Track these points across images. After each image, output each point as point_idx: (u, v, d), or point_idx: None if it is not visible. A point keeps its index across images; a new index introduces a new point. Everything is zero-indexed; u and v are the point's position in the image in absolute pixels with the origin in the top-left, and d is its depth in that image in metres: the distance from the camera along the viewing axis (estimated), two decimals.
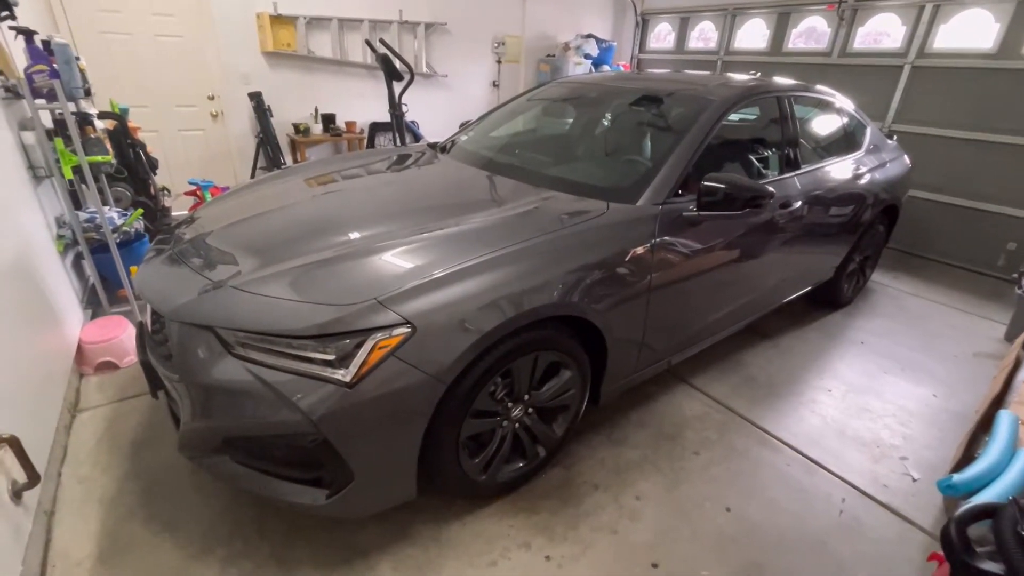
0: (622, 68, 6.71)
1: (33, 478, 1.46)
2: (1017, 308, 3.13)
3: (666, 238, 1.91)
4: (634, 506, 1.86)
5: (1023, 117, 3.85)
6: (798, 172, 2.57)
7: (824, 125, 3.02)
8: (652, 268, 1.88)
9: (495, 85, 6.34)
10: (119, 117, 3.26)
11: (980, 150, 4.11)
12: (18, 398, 1.69)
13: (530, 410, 1.79)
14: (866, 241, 3.26)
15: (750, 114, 2.63)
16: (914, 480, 2.05)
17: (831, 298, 3.37)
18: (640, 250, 1.83)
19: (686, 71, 3.85)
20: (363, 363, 1.32)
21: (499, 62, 6.21)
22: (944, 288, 3.94)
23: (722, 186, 1.92)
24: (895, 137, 3.67)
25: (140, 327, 1.81)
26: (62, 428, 2.02)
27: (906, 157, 3.52)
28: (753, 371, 2.75)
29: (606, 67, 6.45)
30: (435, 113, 5.94)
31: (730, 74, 2.85)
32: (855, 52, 4.80)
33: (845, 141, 3.06)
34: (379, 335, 1.34)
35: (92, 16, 4.03)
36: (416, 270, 1.49)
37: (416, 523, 1.74)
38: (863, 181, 2.98)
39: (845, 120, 3.10)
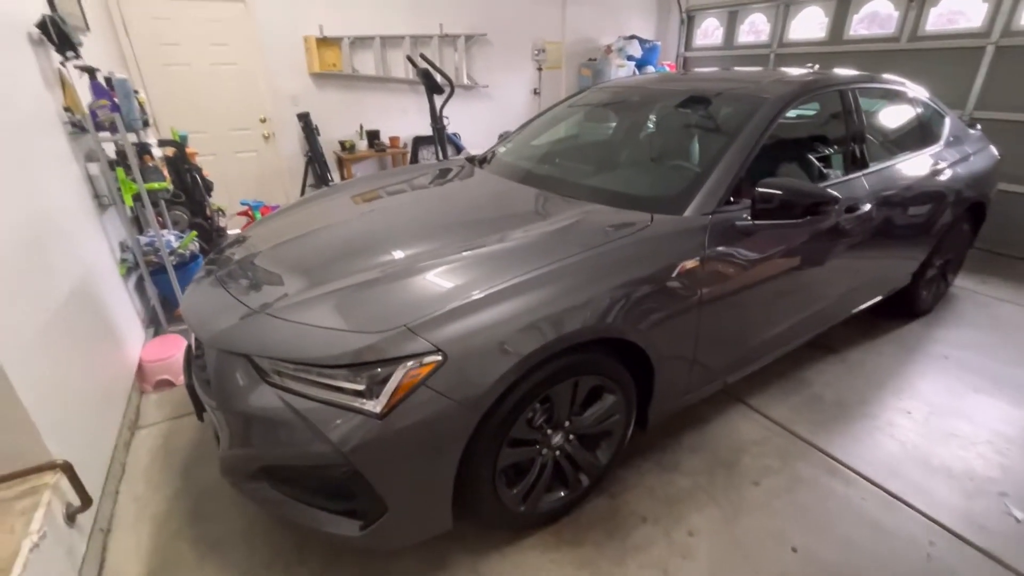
0: (667, 68, 6.49)
1: (86, 501, 1.51)
2: None
3: (718, 249, 1.76)
4: (687, 542, 1.71)
5: None
6: (866, 172, 2.34)
7: (894, 118, 2.75)
8: (702, 283, 1.74)
9: (536, 93, 6.28)
10: (178, 144, 3.44)
11: None
12: (79, 420, 1.77)
13: (571, 437, 1.70)
14: (948, 243, 2.93)
15: (809, 110, 2.42)
16: (1018, 521, 1.79)
17: (908, 307, 3.05)
18: (689, 264, 1.70)
19: (736, 68, 3.64)
20: (393, 393, 1.28)
21: (540, 69, 6.16)
22: None
23: (779, 192, 1.76)
24: (978, 126, 3.30)
25: (187, 350, 1.86)
26: (122, 446, 2.11)
27: (993, 148, 3.16)
28: (818, 390, 2.52)
29: (650, 68, 6.25)
30: (477, 124, 5.95)
31: (784, 68, 2.64)
32: (927, 35, 4.39)
33: (920, 134, 2.77)
34: (409, 364, 1.29)
35: (156, 50, 4.31)
36: (450, 293, 1.43)
37: (454, 553, 1.68)
38: (943, 177, 2.68)
39: (918, 111, 2.81)
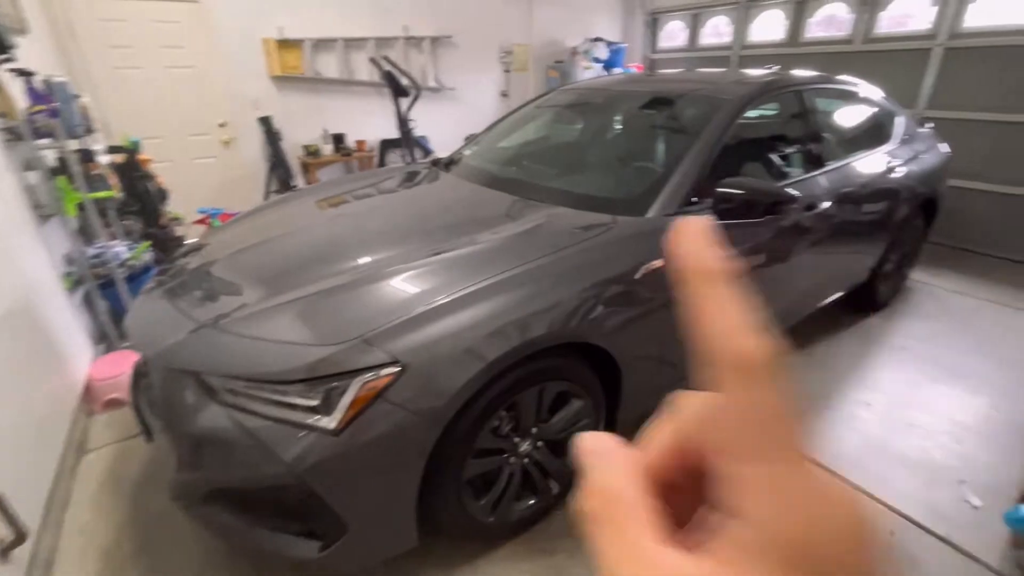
0: (633, 70, 6.55)
1: (19, 536, 1.41)
2: None
3: None
4: None
5: None
6: (824, 170, 2.39)
7: (850, 117, 2.82)
8: (667, 284, 1.73)
9: (504, 95, 6.26)
10: (128, 150, 3.29)
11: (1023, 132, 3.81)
12: (12, 447, 1.66)
13: (539, 443, 1.67)
14: (903, 238, 3.02)
15: (769, 111, 2.46)
16: (975, 508, 1.84)
17: (867, 301, 3.13)
18: (653, 265, 1.69)
19: (699, 69, 3.70)
20: (348, 408, 1.23)
21: (507, 71, 6.14)
22: (992, 283, 3.65)
23: (739, 192, 1.77)
24: (929, 125, 3.42)
25: (135, 367, 1.76)
26: (66, 471, 1.98)
27: (943, 145, 3.28)
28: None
29: (617, 70, 6.31)
30: (445, 126, 5.89)
31: (744, 70, 2.68)
32: (880, 37, 4.54)
33: (874, 133, 2.85)
34: (365, 376, 1.24)
35: (105, 53, 4.12)
36: (411, 300, 1.39)
37: (425, 568, 1.63)
38: (897, 174, 2.76)
39: (873, 110, 2.90)
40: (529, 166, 2.53)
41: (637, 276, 1.65)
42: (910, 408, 2.37)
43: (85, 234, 2.99)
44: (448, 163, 2.69)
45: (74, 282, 2.57)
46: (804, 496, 0.15)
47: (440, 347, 1.31)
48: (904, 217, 2.87)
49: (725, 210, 1.80)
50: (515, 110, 3.00)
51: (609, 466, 0.19)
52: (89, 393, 2.40)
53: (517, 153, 2.70)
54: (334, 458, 1.23)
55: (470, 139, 3.05)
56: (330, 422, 1.22)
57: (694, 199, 1.86)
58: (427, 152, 5.61)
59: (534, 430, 1.62)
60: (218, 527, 1.42)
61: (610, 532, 0.17)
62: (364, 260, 1.63)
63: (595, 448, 0.20)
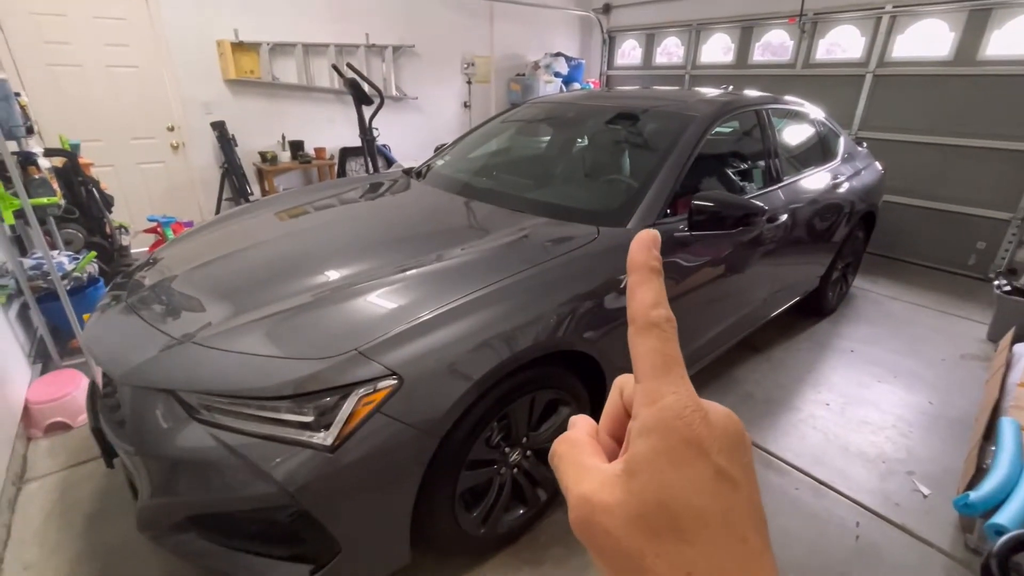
0: (592, 85, 6.75)
1: None
2: (997, 308, 3.16)
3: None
4: None
5: (981, 121, 3.97)
6: (780, 184, 2.55)
7: (799, 136, 3.03)
8: None
9: (466, 106, 6.29)
10: (69, 154, 3.06)
11: (945, 153, 4.22)
12: None
13: (528, 453, 1.67)
14: (847, 249, 3.26)
15: (727, 128, 2.60)
16: (925, 496, 1.99)
17: (817, 307, 3.35)
18: None
19: (656, 87, 3.86)
20: (345, 423, 1.19)
21: (469, 82, 6.17)
22: (922, 290, 3.99)
23: (712, 205, 1.86)
24: (864, 144, 3.72)
25: (91, 388, 1.63)
26: (4, 505, 1.80)
27: (878, 164, 3.57)
28: (749, 387, 2.69)
29: (576, 85, 6.48)
30: (407, 136, 5.84)
31: (703, 89, 2.83)
32: (818, 63, 4.91)
33: (821, 151, 3.07)
34: (362, 390, 1.21)
35: (38, 48, 3.81)
36: (400, 313, 1.37)
37: None
38: (842, 190, 2.99)
39: (819, 130, 3.12)
40: (504, 177, 2.56)
41: (622, 285, 1.70)
42: (862, 406, 2.54)
43: (19, 244, 2.75)
44: (419, 173, 2.67)
45: (9, 295, 2.35)
46: (671, 399, 0.22)
47: (434, 359, 1.29)
48: (849, 229, 3.10)
49: (699, 222, 1.89)
50: (486, 121, 3.03)
51: (574, 426, 0.29)
52: (28, 417, 2.19)
53: (491, 164, 2.72)
54: (330, 476, 1.18)
55: (440, 149, 3.05)
56: (325, 438, 1.18)
57: (668, 211, 1.94)
58: (389, 161, 5.54)
59: (524, 439, 1.63)
60: (194, 555, 1.33)
61: (568, 460, 0.26)
62: (338, 275, 1.59)
63: (572, 421, 0.30)
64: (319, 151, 5.25)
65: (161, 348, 1.35)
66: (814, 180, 2.81)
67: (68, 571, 1.62)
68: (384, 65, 5.48)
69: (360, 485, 1.24)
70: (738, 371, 2.82)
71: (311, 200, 2.35)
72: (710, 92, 2.67)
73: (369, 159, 4.75)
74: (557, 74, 6.21)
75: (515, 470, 1.65)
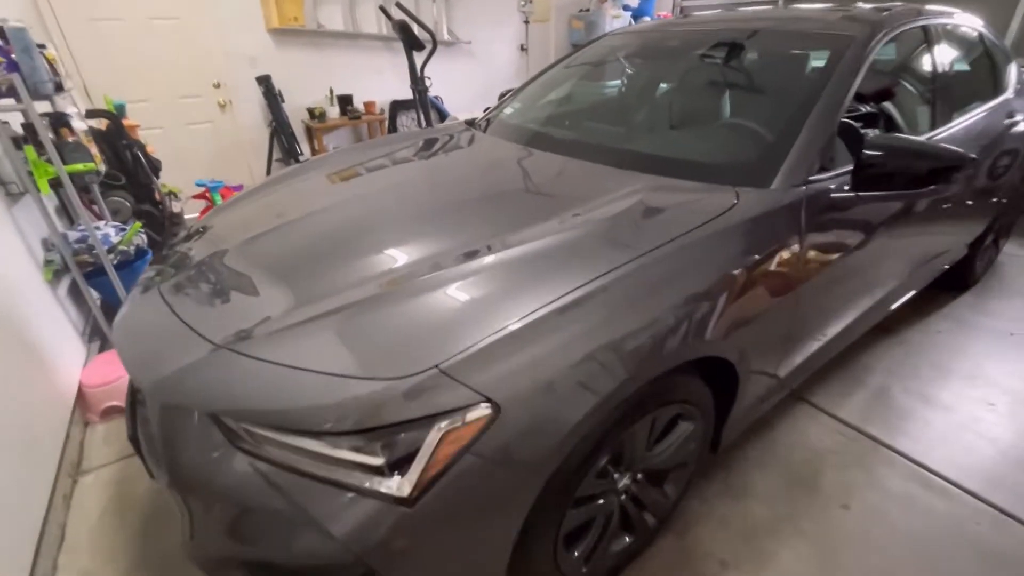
0: (663, 18, 5.96)
1: None
2: None
3: (816, 230, 1.38)
4: None
5: None
6: (950, 126, 1.97)
7: (966, 62, 2.37)
8: (800, 274, 1.36)
9: (523, 49, 5.71)
10: (112, 116, 2.86)
11: None
12: None
13: (639, 476, 1.34)
14: (1012, 207, 2.62)
15: (883, 55, 2.01)
16: None
17: (959, 278, 2.76)
18: (787, 252, 1.32)
19: (770, 6, 3.19)
20: (426, 468, 0.88)
21: (526, 22, 5.57)
22: None
23: (892, 154, 1.37)
24: None
25: (130, 388, 1.40)
26: (59, 501, 1.67)
27: None
28: (882, 379, 2.22)
29: (646, 18, 5.73)
30: (459, 87, 5.38)
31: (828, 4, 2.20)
32: None
33: (991, 81, 2.40)
34: (446, 422, 0.89)
35: (77, 1, 3.61)
36: (489, 314, 1.01)
37: None
38: (1018, 130, 2.34)
39: (988, 53, 2.44)
40: (596, 126, 2.11)
41: (772, 267, 1.28)
42: None
43: (66, 214, 2.61)
44: (487, 124, 2.27)
45: (55, 271, 2.20)
46: None
47: (539, 378, 0.95)
48: (1018, 183, 2.47)
49: (870, 177, 1.41)
50: (561, 59, 2.55)
51: None
52: (83, 401, 2.07)
53: (575, 109, 2.27)
54: (406, 533, 0.89)
55: (505, 95, 2.61)
56: (401, 486, 0.88)
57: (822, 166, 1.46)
58: (443, 115, 5.12)
59: (637, 463, 1.29)
60: None
61: None
62: (416, 254, 1.25)
63: None
64: (368, 105, 4.91)
65: (197, 355, 1.07)
66: (987, 119, 2.19)
67: None
68: (434, 7, 4.99)
69: (445, 542, 0.94)
70: (865, 357, 2.35)
71: (368, 159, 2.01)
72: (860, 6, 2.06)
73: (422, 112, 4.36)
74: (626, 7, 5.49)
75: (623, 497, 1.33)
